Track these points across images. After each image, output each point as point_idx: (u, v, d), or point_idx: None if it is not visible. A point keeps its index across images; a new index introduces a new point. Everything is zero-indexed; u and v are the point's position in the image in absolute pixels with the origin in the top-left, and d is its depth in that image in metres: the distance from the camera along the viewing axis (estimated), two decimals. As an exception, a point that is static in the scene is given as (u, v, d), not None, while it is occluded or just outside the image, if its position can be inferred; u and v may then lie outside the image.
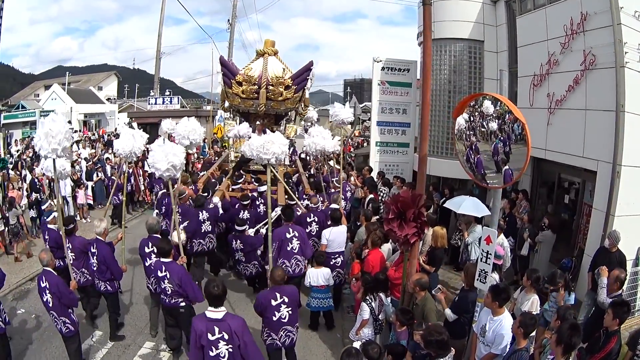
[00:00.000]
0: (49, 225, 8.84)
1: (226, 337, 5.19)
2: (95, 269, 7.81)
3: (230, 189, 12.00)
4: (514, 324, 5.35)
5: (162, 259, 6.92)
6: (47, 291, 6.50)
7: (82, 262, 7.99)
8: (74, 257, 7.90)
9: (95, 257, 7.74)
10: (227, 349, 5.22)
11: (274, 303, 6.26)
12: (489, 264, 6.03)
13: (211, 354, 5.21)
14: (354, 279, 8.06)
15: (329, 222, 9.18)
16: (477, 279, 6.22)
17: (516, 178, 6.35)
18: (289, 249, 8.32)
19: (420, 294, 6.40)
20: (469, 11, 13.19)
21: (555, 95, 10.03)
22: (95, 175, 16.63)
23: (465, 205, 9.52)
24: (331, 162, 14.87)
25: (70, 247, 7.89)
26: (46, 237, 8.74)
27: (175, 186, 9.72)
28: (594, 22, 8.89)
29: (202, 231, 9.61)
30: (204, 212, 9.69)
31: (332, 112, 11.47)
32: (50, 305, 6.55)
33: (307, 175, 13.83)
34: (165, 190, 11.73)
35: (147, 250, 7.82)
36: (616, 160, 8.43)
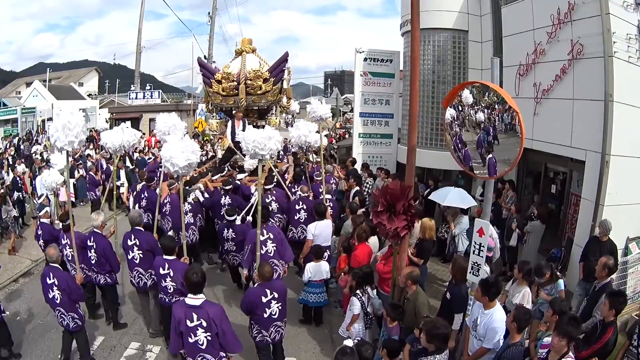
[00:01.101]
0: (41, 220, 9.04)
1: (204, 324, 5.21)
2: (94, 262, 7.82)
3: (211, 180, 11.93)
4: (508, 318, 5.24)
5: (165, 256, 6.77)
6: (55, 287, 6.50)
7: (81, 258, 7.79)
8: (72, 253, 7.78)
9: (93, 251, 7.76)
10: (205, 337, 5.25)
11: (264, 300, 6.14)
12: (481, 257, 5.95)
13: (190, 340, 5.25)
14: (341, 274, 7.95)
15: (298, 217, 9.70)
16: (470, 272, 6.12)
17: (510, 168, 6.28)
18: (263, 252, 7.77)
19: (412, 288, 6.25)
20: (453, 1, 13.10)
21: (542, 84, 9.95)
22: (76, 172, 16.22)
23: (451, 197, 9.46)
24: (310, 156, 14.83)
25: (69, 242, 7.79)
26: (39, 231, 8.86)
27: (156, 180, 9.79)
28: (582, 12, 8.79)
29: (185, 223, 9.45)
30: (185, 204, 9.79)
31: (309, 109, 11.24)
32: (58, 301, 6.54)
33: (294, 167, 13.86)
34: (143, 183, 11.82)
35: (129, 243, 7.71)
36: (605, 149, 8.37)
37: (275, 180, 10.89)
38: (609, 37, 8.22)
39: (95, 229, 7.87)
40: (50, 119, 35.86)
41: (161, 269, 6.72)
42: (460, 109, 6.98)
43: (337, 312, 8.82)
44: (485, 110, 6.58)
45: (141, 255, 7.63)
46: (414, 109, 6.77)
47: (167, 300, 6.86)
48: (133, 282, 7.87)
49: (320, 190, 10.59)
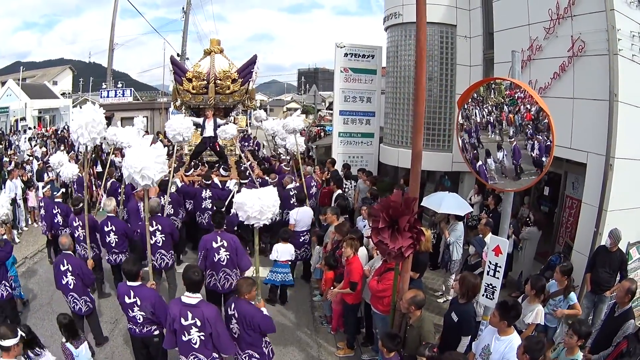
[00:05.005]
0: (57, 199, 10.26)
1: (198, 323, 5.15)
2: (114, 244, 8.67)
3: (186, 175, 12.31)
4: (519, 349, 4.61)
5: (130, 283, 5.94)
6: (69, 273, 6.93)
7: (91, 238, 8.44)
8: (84, 234, 8.46)
9: (112, 234, 8.62)
10: (199, 336, 5.18)
11: (229, 312, 5.66)
12: (497, 278, 5.34)
13: (183, 338, 5.21)
14: (330, 288, 7.51)
15: (292, 202, 10.49)
16: (484, 295, 5.52)
17: (538, 178, 6.02)
18: (215, 260, 7.41)
19: (415, 314, 5.59)
20: (440, -7, 12.45)
21: (539, 82, 9.41)
22: (45, 175, 14.97)
23: (447, 203, 8.88)
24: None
25: (81, 224, 8.61)
26: (55, 210, 9.92)
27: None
28: (584, 7, 8.30)
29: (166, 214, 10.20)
30: (165, 196, 10.13)
31: (284, 124, 12.38)
32: (72, 286, 6.96)
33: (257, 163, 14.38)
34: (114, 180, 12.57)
35: (151, 229, 7.85)
36: (609, 152, 7.88)
37: (248, 174, 11.64)
38: (613, 34, 7.73)
39: (109, 214, 8.71)
40: (23, 119, 34.58)
41: (126, 298, 5.88)
42: (465, 107, 6.51)
43: (324, 330, 8.34)
44: (493, 110, 6.08)
45: (163, 239, 8.27)
46: (420, 107, 5.94)
47: (137, 331, 6.04)
48: (155, 264, 8.13)
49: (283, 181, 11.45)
